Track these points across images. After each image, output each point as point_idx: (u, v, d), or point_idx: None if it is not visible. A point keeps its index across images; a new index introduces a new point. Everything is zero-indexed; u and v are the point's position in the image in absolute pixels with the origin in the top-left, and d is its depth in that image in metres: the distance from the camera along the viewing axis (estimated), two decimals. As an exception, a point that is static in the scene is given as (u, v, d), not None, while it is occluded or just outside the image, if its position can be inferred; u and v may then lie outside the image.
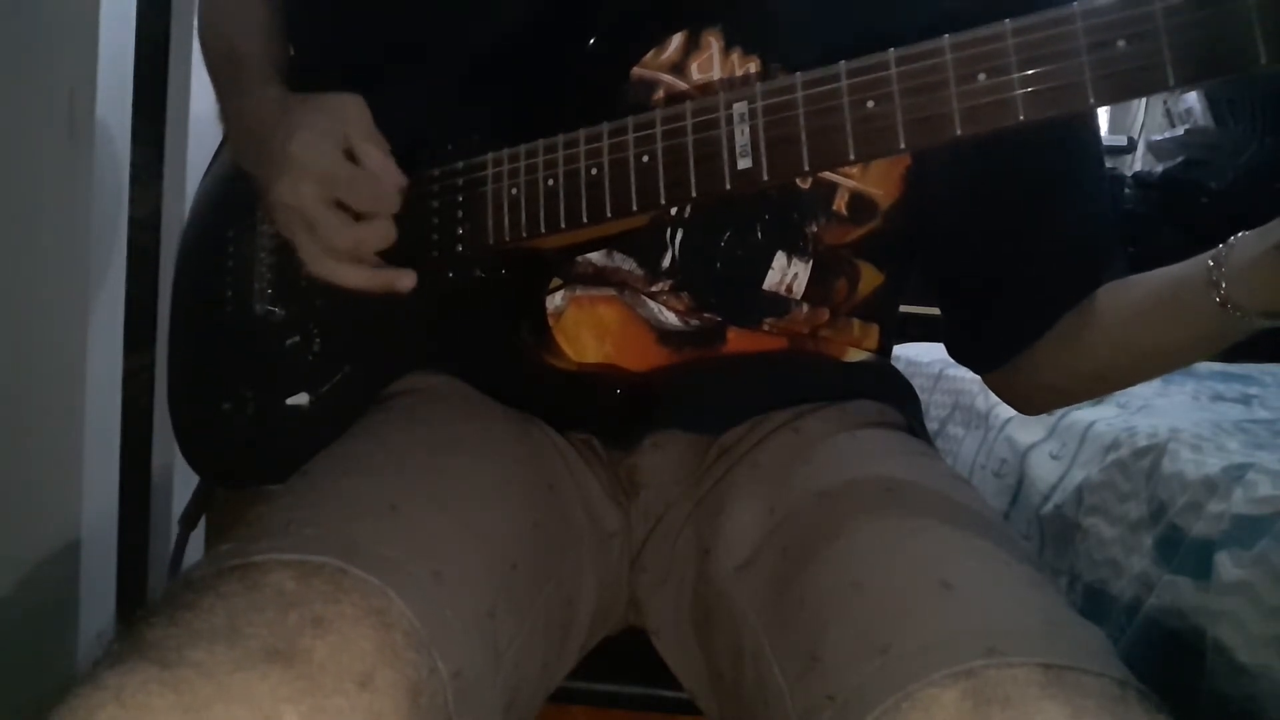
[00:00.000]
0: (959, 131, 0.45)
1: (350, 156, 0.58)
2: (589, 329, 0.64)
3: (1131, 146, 2.46)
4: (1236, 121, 2.11)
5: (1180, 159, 2.15)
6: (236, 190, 0.73)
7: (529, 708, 0.53)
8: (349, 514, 0.46)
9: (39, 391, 1.09)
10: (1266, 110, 2.04)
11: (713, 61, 0.62)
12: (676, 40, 0.62)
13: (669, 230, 0.63)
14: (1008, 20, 0.44)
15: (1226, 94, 2.11)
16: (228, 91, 0.68)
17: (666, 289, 0.64)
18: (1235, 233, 0.53)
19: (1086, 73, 0.42)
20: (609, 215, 0.54)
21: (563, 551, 0.57)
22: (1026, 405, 0.73)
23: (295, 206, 0.57)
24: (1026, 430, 1.25)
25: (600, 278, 0.65)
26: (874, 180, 0.63)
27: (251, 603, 0.39)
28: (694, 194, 0.52)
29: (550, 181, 0.56)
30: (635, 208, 0.54)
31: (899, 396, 0.69)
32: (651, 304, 0.64)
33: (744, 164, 0.50)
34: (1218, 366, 1.41)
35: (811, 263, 0.64)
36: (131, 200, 0.96)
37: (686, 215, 0.63)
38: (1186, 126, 2.27)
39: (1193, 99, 2.24)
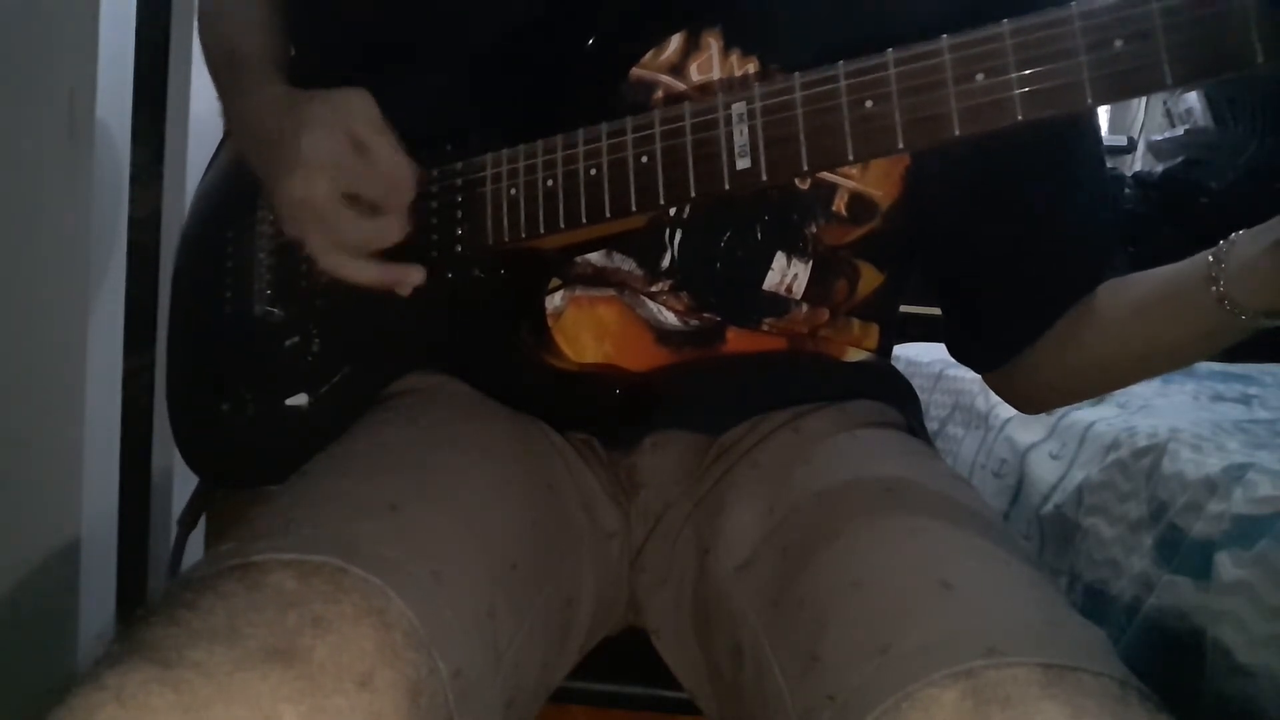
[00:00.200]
0: (957, 131, 0.45)
1: (359, 150, 0.58)
2: (588, 329, 0.64)
3: (1131, 146, 2.46)
4: (1236, 121, 2.11)
5: (1180, 159, 2.15)
6: (236, 190, 0.73)
7: (529, 707, 0.53)
8: (349, 514, 0.46)
9: (39, 391, 1.09)
10: (1266, 110, 2.04)
11: (712, 62, 0.62)
12: (675, 41, 0.62)
13: (668, 231, 0.63)
14: (1006, 20, 0.44)
15: (1226, 94, 2.11)
16: (230, 91, 0.68)
17: (666, 289, 0.64)
18: (1235, 232, 0.53)
19: (1084, 72, 0.42)
20: (608, 216, 0.54)
21: (562, 551, 0.57)
22: (1027, 404, 0.73)
23: (307, 203, 0.57)
24: (1026, 430, 1.25)
25: (600, 278, 0.65)
26: (874, 181, 0.63)
27: (251, 602, 0.39)
28: (693, 194, 0.52)
29: (549, 182, 0.56)
30: (634, 208, 0.54)
31: (899, 396, 0.69)
32: (651, 304, 0.64)
33: (743, 164, 0.50)
34: (1218, 366, 1.41)
35: (811, 263, 0.64)
36: (131, 200, 0.96)
37: (685, 216, 0.63)
38: (1186, 126, 2.27)
39: (1193, 99, 2.24)
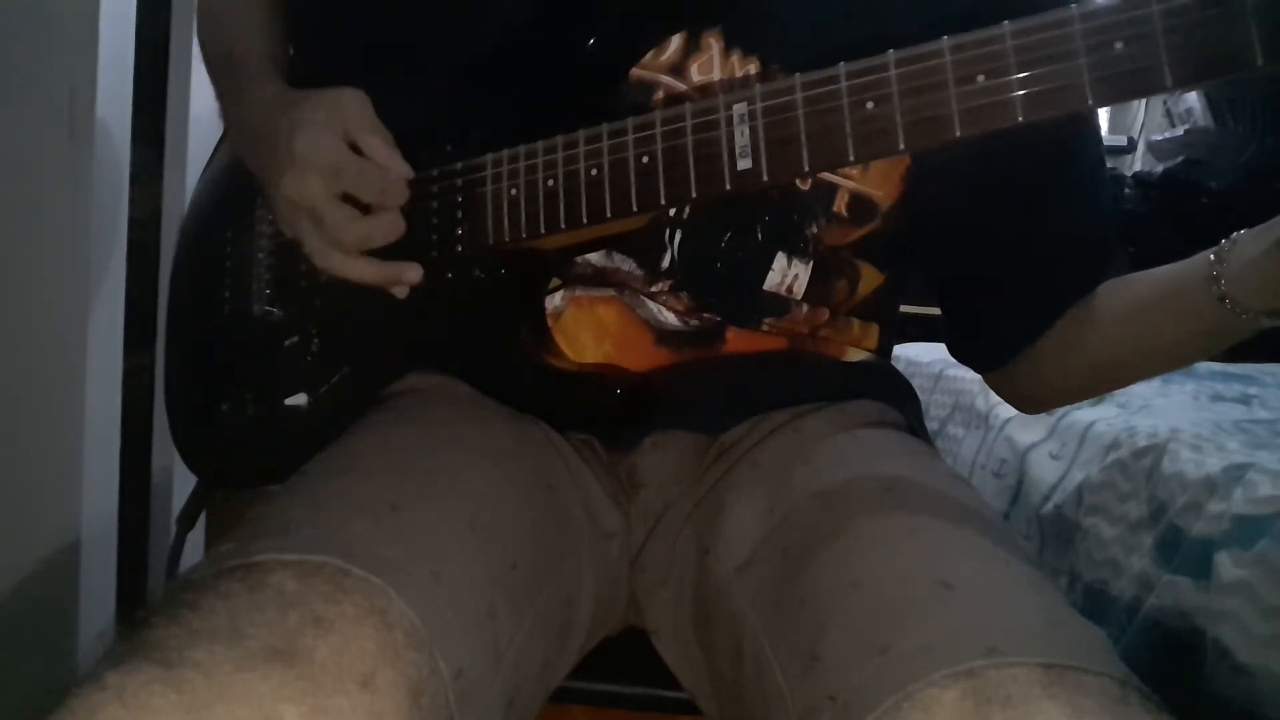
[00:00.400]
0: (958, 132, 0.45)
1: (354, 150, 0.58)
2: (588, 329, 0.64)
3: (1131, 146, 2.46)
4: (1236, 121, 2.11)
5: (1180, 159, 2.16)
6: (234, 190, 0.73)
7: (529, 707, 0.53)
8: (349, 514, 0.46)
9: (39, 391, 1.09)
10: (1266, 110, 2.04)
11: (712, 63, 0.62)
12: (676, 41, 0.62)
13: (668, 231, 0.63)
14: (1006, 22, 0.44)
15: (1226, 94, 2.11)
16: (228, 91, 0.68)
17: (666, 289, 0.64)
18: (1235, 233, 0.53)
19: (1085, 74, 0.42)
20: (609, 216, 0.55)
21: (562, 551, 0.57)
22: (1027, 404, 0.73)
23: (301, 202, 0.57)
24: (1026, 430, 1.25)
25: (600, 278, 0.65)
26: (874, 181, 0.63)
27: (252, 603, 0.39)
28: (694, 195, 0.52)
29: (550, 182, 0.56)
30: (635, 208, 0.54)
31: (899, 396, 0.69)
32: (651, 304, 0.64)
33: (744, 165, 0.50)
34: (1218, 366, 1.41)
35: (812, 263, 0.64)
36: (131, 200, 0.96)
37: (686, 216, 0.63)
38: (1186, 126, 2.27)
39: (1193, 99, 2.24)
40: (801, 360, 0.67)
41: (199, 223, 0.78)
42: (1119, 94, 0.42)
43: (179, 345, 0.78)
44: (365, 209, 0.58)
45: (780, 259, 0.64)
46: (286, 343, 0.68)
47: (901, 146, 0.46)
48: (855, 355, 0.69)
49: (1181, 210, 2.05)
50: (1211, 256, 0.53)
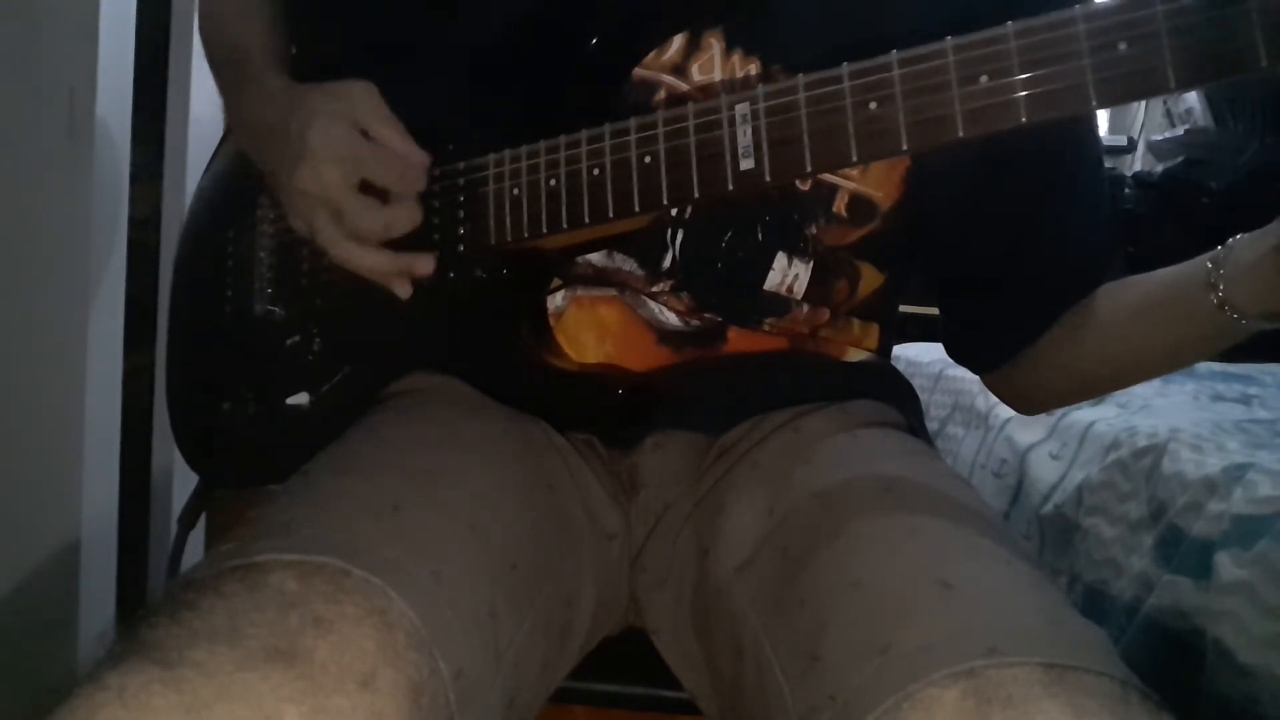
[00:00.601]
0: (961, 133, 0.45)
1: (368, 139, 0.58)
2: (589, 329, 0.64)
3: (1131, 146, 2.46)
4: (1237, 121, 2.11)
5: (1180, 159, 2.16)
6: (235, 189, 0.73)
7: (529, 708, 0.53)
8: (349, 514, 0.46)
9: (39, 391, 1.09)
10: (1267, 110, 2.04)
11: (714, 63, 0.62)
12: (677, 41, 0.62)
13: (669, 231, 0.63)
14: (1009, 23, 0.44)
15: (1227, 94, 2.11)
16: (232, 86, 0.68)
17: (667, 289, 0.64)
18: (1235, 233, 0.53)
19: (1088, 75, 0.42)
20: (611, 216, 0.55)
21: (563, 551, 0.57)
22: (1026, 405, 0.73)
23: (319, 193, 0.57)
24: (1026, 430, 1.25)
25: (601, 278, 0.65)
26: (874, 182, 0.63)
27: (253, 603, 0.39)
28: (696, 195, 0.52)
29: (552, 182, 0.56)
30: (637, 208, 0.54)
31: (899, 396, 0.69)
32: (652, 304, 0.64)
33: (746, 165, 0.50)
34: (1218, 366, 1.41)
35: (812, 263, 0.64)
36: (131, 200, 0.96)
37: (687, 216, 0.63)
38: (1186, 126, 2.27)
39: (1193, 99, 2.24)
40: (802, 360, 0.67)
41: (200, 222, 0.78)
42: (1122, 95, 0.42)
43: (180, 344, 0.78)
44: (382, 199, 0.58)
45: (781, 259, 0.64)
46: (288, 342, 0.68)
47: (904, 147, 0.46)
48: (855, 355, 0.69)
49: (1181, 211, 2.05)
50: (1209, 262, 0.53)
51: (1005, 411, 1.30)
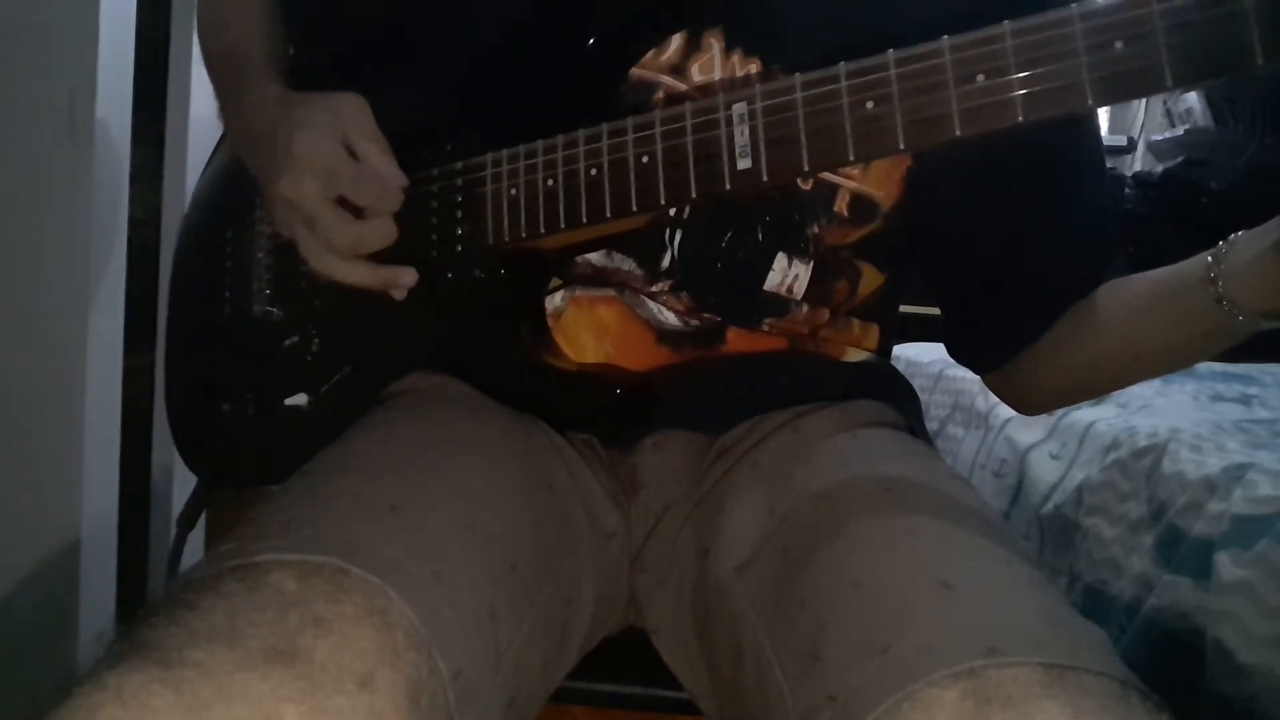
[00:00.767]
0: (958, 132, 0.45)
1: (352, 154, 0.58)
2: (588, 329, 0.64)
3: (1131, 146, 2.46)
4: (1236, 121, 2.11)
5: (1180, 159, 2.16)
6: (234, 190, 0.73)
7: (529, 708, 0.53)
8: (349, 514, 0.46)
9: (39, 391, 1.09)
10: (1266, 110, 2.04)
11: (713, 63, 0.62)
12: (676, 41, 0.62)
13: (668, 231, 0.63)
14: (1006, 22, 0.44)
15: (1226, 94, 2.11)
16: (228, 90, 0.68)
17: (666, 289, 0.64)
18: (1235, 233, 0.53)
19: (1085, 73, 0.42)
20: (609, 216, 0.55)
21: (562, 551, 0.57)
22: (1026, 405, 0.73)
23: (295, 203, 0.57)
24: (1026, 430, 1.25)
25: (600, 278, 0.65)
26: (875, 181, 0.63)
27: (252, 603, 0.39)
28: (694, 194, 0.52)
29: (550, 182, 0.56)
30: (635, 208, 0.54)
31: (899, 396, 0.69)
32: (651, 304, 0.64)
33: (744, 164, 0.50)
34: (1218, 366, 1.41)
35: (812, 264, 0.64)
36: (131, 200, 0.96)
37: (686, 216, 0.63)
38: (1186, 126, 2.27)
39: (1193, 99, 2.24)
40: (802, 360, 0.67)
41: (199, 222, 0.78)
42: (1119, 93, 0.42)
43: (179, 345, 0.78)
44: (359, 213, 0.58)
45: (780, 259, 0.64)
46: (287, 342, 0.68)
47: (901, 146, 0.46)
48: (855, 355, 0.69)
49: (1181, 210, 2.05)
50: (1209, 259, 0.53)
51: (1005, 411, 1.29)
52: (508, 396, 0.62)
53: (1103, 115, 2.42)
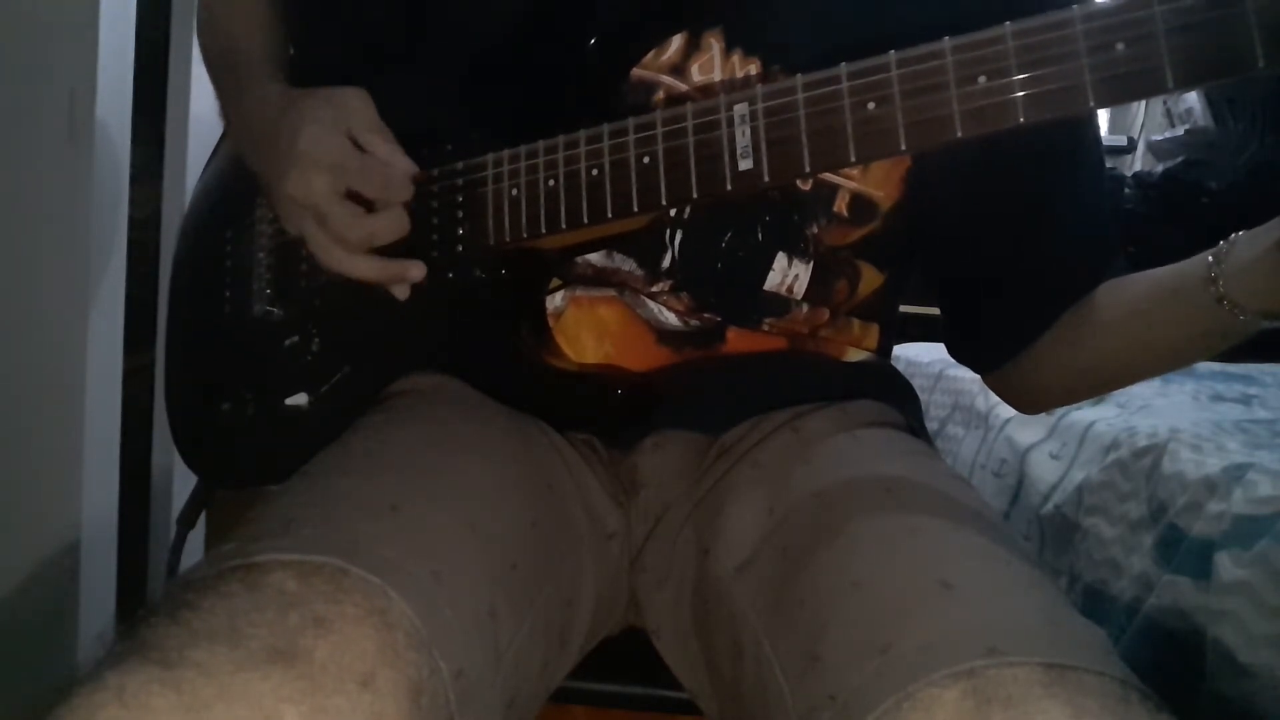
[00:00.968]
0: (959, 133, 0.45)
1: (357, 148, 0.58)
2: (589, 329, 0.64)
3: (1131, 146, 2.46)
4: (1237, 121, 2.11)
5: (1180, 159, 2.16)
6: (234, 190, 0.73)
7: (529, 708, 0.53)
8: (349, 514, 0.46)
9: (39, 391, 1.09)
10: (1266, 110, 2.04)
11: (713, 63, 0.62)
12: (677, 41, 0.62)
13: (669, 231, 0.63)
14: (1008, 23, 0.44)
15: (1227, 94, 2.11)
16: (229, 90, 0.68)
17: (666, 289, 0.64)
18: (1235, 233, 0.53)
19: (1086, 75, 0.42)
20: (610, 216, 0.55)
21: (562, 551, 0.57)
22: (1026, 404, 0.73)
23: (306, 200, 0.57)
24: (1026, 430, 1.25)
25: (600, 278, 0.65)
26: (874, 182, 0.63)
27: (252, 603, 0.39)
28: (695, 195, 0.52)
29: (551, 182, 0.56)
30: (636, 208, 0.54)
31: (899, 396, 0.69)
32: (651, 304, 0.64)
33: (745, 165, 0.50)
34: (1218, 366, 1.41)
35: (812, 264, 0.64)
36: (131, 200, 0.96)
37: (686, 216, 0.63)
38: (1186, 126, 2.27)
39: (1193, 99, 2.24)
40: (802, 360, 0.67)
41: (199, 222, 0.78)
42: (1121, 95, 0.42)
43: (179, 345, 0.78)
44: (369, 206, 0.58)
45: (781, 259, 0.64)
46: (287, 342, 0.68)
47: (903, 147, 0.46)
48: (855, 355, 0.69)
49: (1181, 210, 2.05)
50: (1210, 258, 0.53)
51: (1005, 411, 1.30)
52: (508, 396, 0.62)
53: (1103, 115, 2.42)
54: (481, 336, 0.64)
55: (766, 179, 0.50)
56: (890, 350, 0.74)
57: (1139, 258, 0.63)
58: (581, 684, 0.64)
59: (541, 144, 0.57)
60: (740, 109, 0.50)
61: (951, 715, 0.37)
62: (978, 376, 0.73)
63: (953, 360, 0.74)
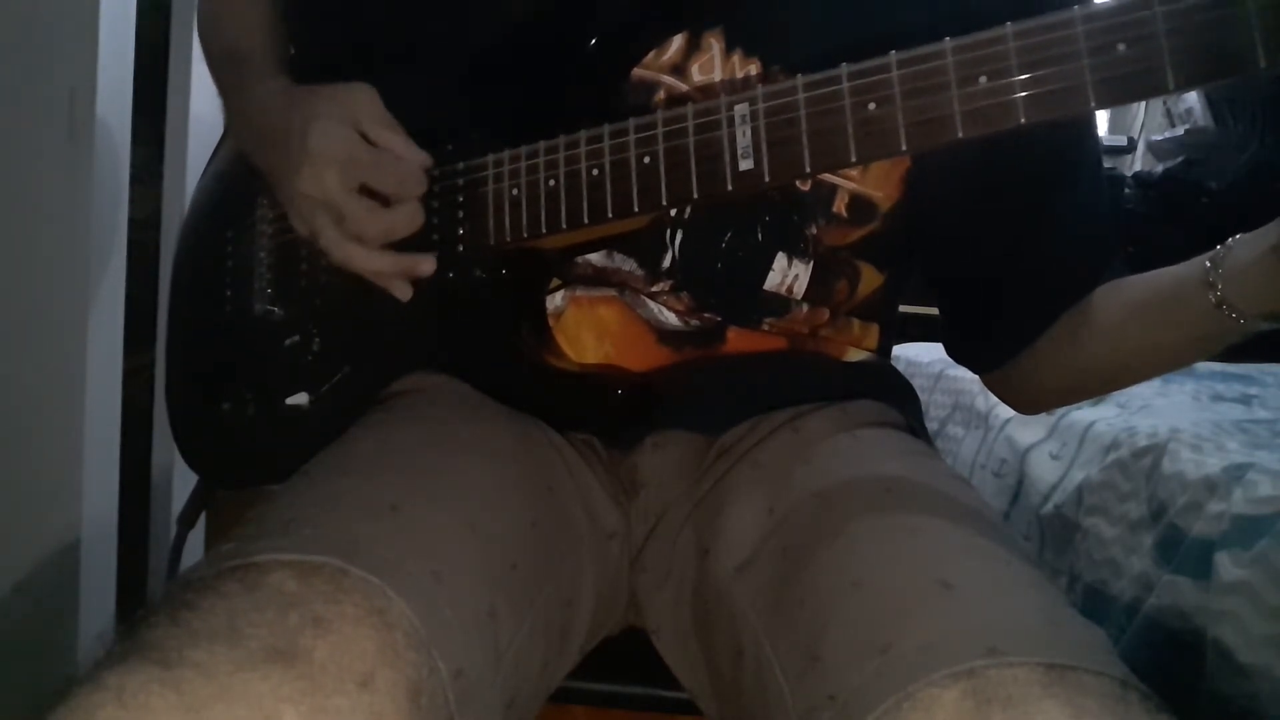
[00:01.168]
0: (960, 133, 0.45)
1: (368, 143, 0.58)
2: (589, 329, 0.64)
3: (1131, 146, 2.46)
4: (1236, 121, 2.11)
5: (1180, 159, 2.16)
6: (235, 190, 0.73)
7: (529, 708, 0.53)
8: (349, 514, 0.46)
9: (39, 391, 1.09)
10: (1266, 110, 2.04)
11: (714, 63, 0.62)
12: (677, 42, 0.62)
13: (669, 231, 0.63)
14: (1009, 23, 0.44)
15: (1227, 94, 2.11)
16: (231, 88, 0.68)
17: (666, 289, 0.64)
18: (1235, 233, 0.53)
19: (1087, 75, 0.42)
20: (610, 216, 0.55)
21: (562, 552, 0.57)
22: (1025, 405, 0.73)
23: (320, 197, 0.57)
24: (1026, 430, 1.25)
25: (600, 278, 0.65)
26: (874, 182, 0.63)
27: (252, 603, 0.39)
28: (695, 195, 0.52)
29: (551, 182, 0.56)
30: (636, 208, 0.54)
31: (899, 396, 0.69)
32: (651, 304, 0.64)
33: (745, 165, 0.50)
34: (1218, 366, 1.41)
35: (812, 264, 0.64)
36: (131, 200, 0.96)
37: (686, 216, 0.63)
38: (1186, 126, 2.27)
39: (1193, 99, 2.24)
40: (802, 360, 0.67)
41: (200, 222, 0.78)
42: (1121, 95, 0.42)
43: (180, 344, 0.78)
44: (383, 201, 0.58)
45: (780, 259, 0.64)
46: (287, 342, 0.68)
47: (903, 147, 0.46)
48: (855, 355, 0.69)
49: (1181, 210, 2.05)
50: (1208, 263, 0.53)
51: (1005, 411, 1.30)
52: (508, 396, 0.62)
53: (1102, 115, 2.42)
54: (482, 336, 0.64)
55: (767, 179, 0.50)
56: (890, 350, 0.74)
57: (1139, 258, 0.63)
58: (581, 684, 0.64)
59: (542, 144, 0.57)
60: (741, 109, 0.50)
61: (951, 715, 0.37)
62: (978, 376, 0.73)
63: (952, 360, 0.74)
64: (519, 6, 0.63)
